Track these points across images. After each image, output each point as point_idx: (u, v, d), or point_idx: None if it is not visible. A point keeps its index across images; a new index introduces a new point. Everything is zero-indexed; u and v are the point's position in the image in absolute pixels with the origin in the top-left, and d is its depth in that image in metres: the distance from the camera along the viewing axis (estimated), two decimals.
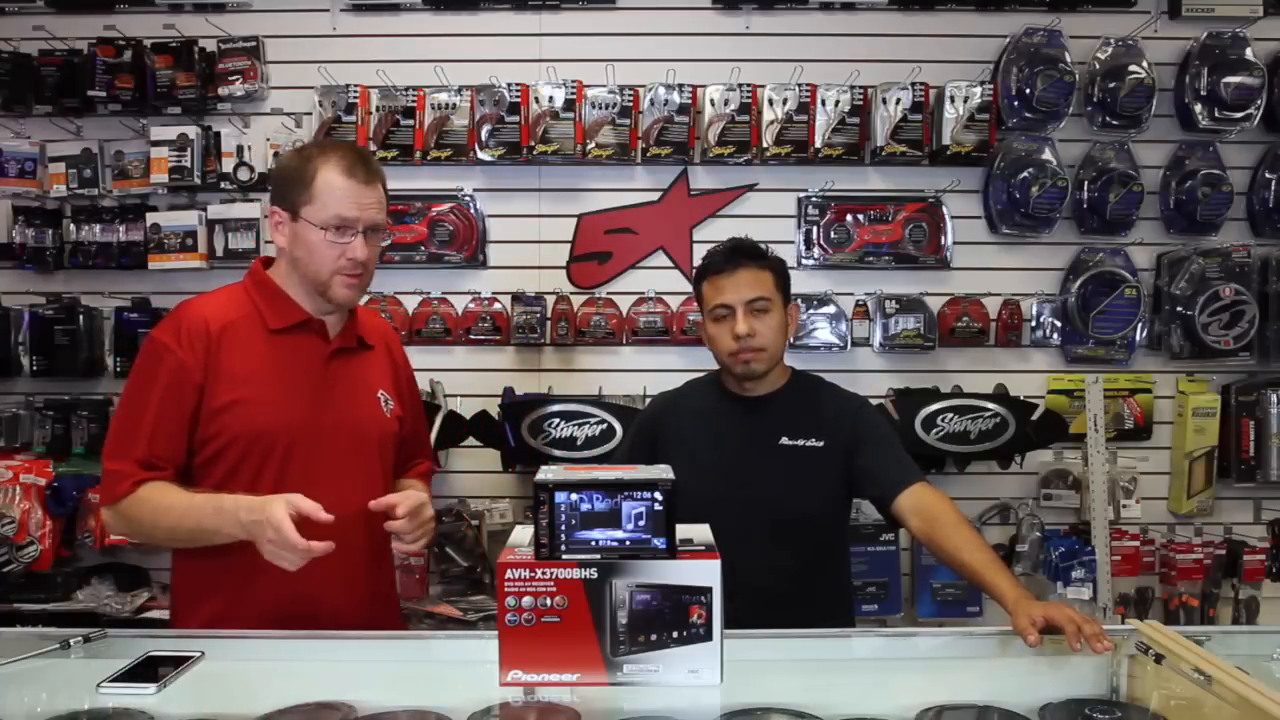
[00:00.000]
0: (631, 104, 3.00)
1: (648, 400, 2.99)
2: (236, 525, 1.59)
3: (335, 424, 1.79)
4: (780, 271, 2.09)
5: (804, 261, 3.08)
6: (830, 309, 3.06)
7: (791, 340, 2.05)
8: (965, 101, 2.97)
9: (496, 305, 3.07)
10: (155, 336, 1.77)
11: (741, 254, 2.06)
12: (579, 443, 2.87)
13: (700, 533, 1.49)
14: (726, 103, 2.99)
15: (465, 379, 3.05)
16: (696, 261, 3.06)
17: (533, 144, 2.99)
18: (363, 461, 1.82)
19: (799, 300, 3.04)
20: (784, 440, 2.05)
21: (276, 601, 1.70)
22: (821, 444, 2.05)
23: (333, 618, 1.69)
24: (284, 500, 1.55)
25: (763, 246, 2.12)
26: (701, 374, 2.26)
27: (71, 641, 1.53)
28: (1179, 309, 3.05)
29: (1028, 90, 2.96)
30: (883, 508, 2.03)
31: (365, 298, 2.98)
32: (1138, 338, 3.11)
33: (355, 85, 3.02)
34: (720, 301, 2.03)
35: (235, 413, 1.73)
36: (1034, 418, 2.93)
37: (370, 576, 1.85)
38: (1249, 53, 3.00)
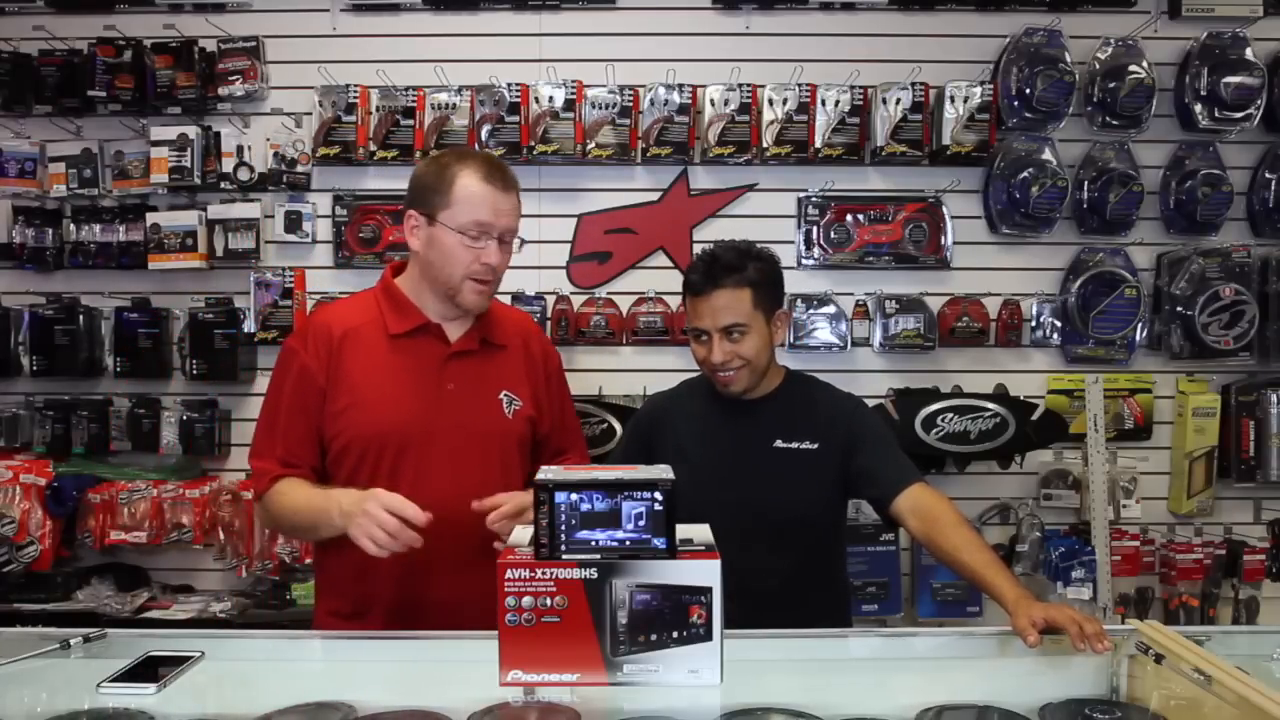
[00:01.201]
0: (631, 104, 3.00)
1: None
2: (338, 513, 1.66)
3: (449, 425, 1.83)
4: (762, 284, 2.01)
5: (804, 261, 3.08)
6: (830, 309, 3.05)
7: (783, 344, 2.03)
8: (965, 101, 2.97)
9: None
10: (287, 343, 1.91)
11: (719, 271, 1.98)
12: None
13: (700, 533, 1.49)
14: (726, 103, 2.99)
15: None
16: None
17: (533, 144, 2.99)
18: (478, 462, 1.85)
19: (796, 301, 3.04)
20: (778, 443, 2.04)
21: (393, 598, 1.79)
22: (816, 446, 2.04)
23: (447, 614, 1.72)
24: (384, 494, 1.64)
25: (752, 250, 2.04)
26: (696, 374, 2.24)
27: (71, 641, 1.53)
28: (1179, 309, 3.05)
29: (1028, 90, 2.96)
30: (881, 509, 2.02)
31: None
32: (1138, 338, 3.11)
33: (355, 85, 3.02)
34: (696, 325, 2.01)
35: (351, 415, 1.81)
36: (1034, 418, 2.93)
37: (485, 573, 1.80)
38: (1249, 53, 3.00)
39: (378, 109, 3.02)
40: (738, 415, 2.09)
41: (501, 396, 1.91)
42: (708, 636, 1.36)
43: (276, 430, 1.84)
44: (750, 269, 1.99)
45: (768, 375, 2.09)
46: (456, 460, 1.83)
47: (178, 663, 1.47)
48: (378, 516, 1.59)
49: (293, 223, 3.06)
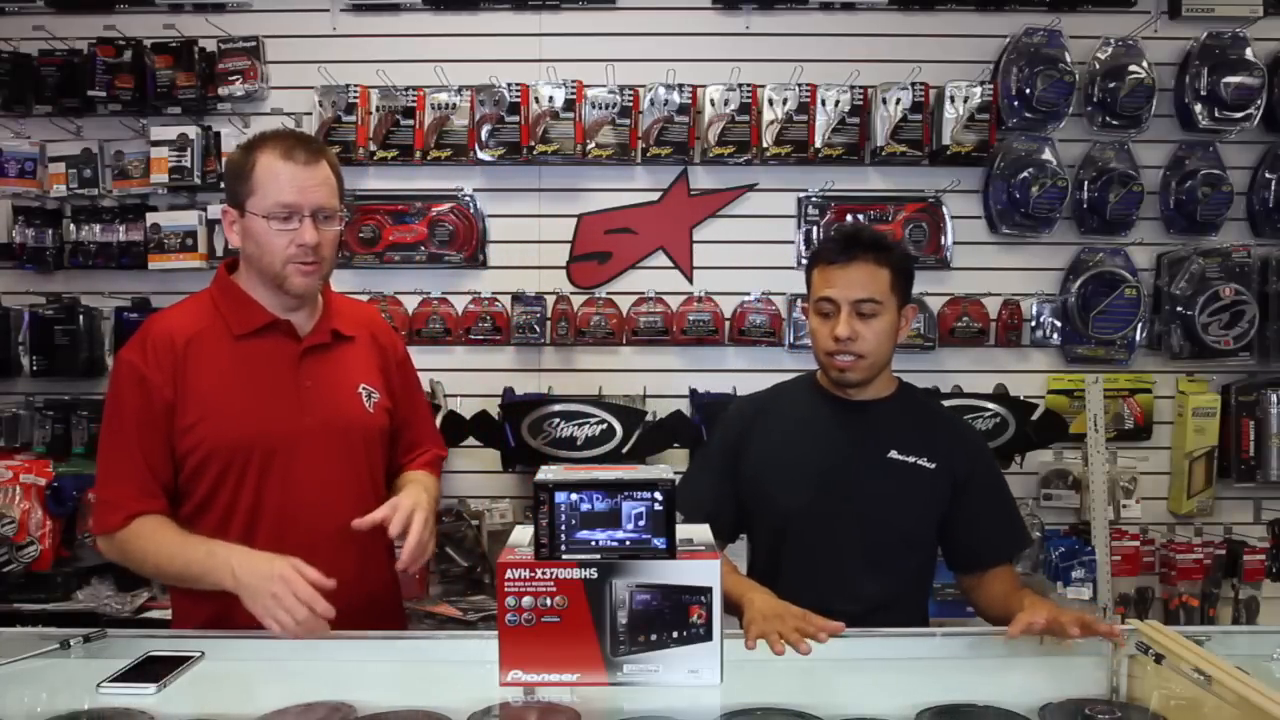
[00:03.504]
0: (631, 104, 3.00)
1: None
2: (229, 575, 1.56)
3: (313, 426, 1.74)
4: (901, 268, 1.84)
5: (804, 261, 3.08)
6: None
7: (900, 341, 1.89)
8: (965, 101, 2.97)
9: (496, 305, 3.07)
10: (123, 356, 1.73)
11: (859, 244, 1.81)
12: (579, 443, 2.87)
13: (700, 533, 1.49)
14: (726, 103, 2.99)
15: (465, 379, 3.05)
16: (697, 261, 3.10)
17: (533, 144, 2.99)
18: (347, 462, 1.77)
19: (797, 300, 3.04)
20: (893, 454, 1.86)
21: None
22: (934, 466, 1.86)
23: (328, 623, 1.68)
24: (290, 561, 1.53)
25: (888, 238, 1.89)
26: (791, 375, 2.08)
27: (71, 641, 1.53)
28: (1179, 309, 3.05)
29: (1028, 90, 2.96)
30: (959, 567, 1.93)
31: (366, 297, 2.99)
32: (1138, 338, 3.11)
33: (355, 85, 3.02)
34: (826, 294, 1.82)
35: (205, 427, 1.69)
36: (1034, 418, 2.93)
37: (364, 579, 1.78)
38: (1249, 53, 3.00)
39: (378, 109, 3.02)
40: (849, 416, 1.90)
41: (360, 390, 1.81)
42: (708, 636, 1.36)
43: (125, 456, 1.69)
44: (893, 253, 1.84)
45: (883, 377, 1.91)
46: (324, 460, 1.74)
47: (178, 663, 1.47)
48: (291, 593, 1.48)
49: None
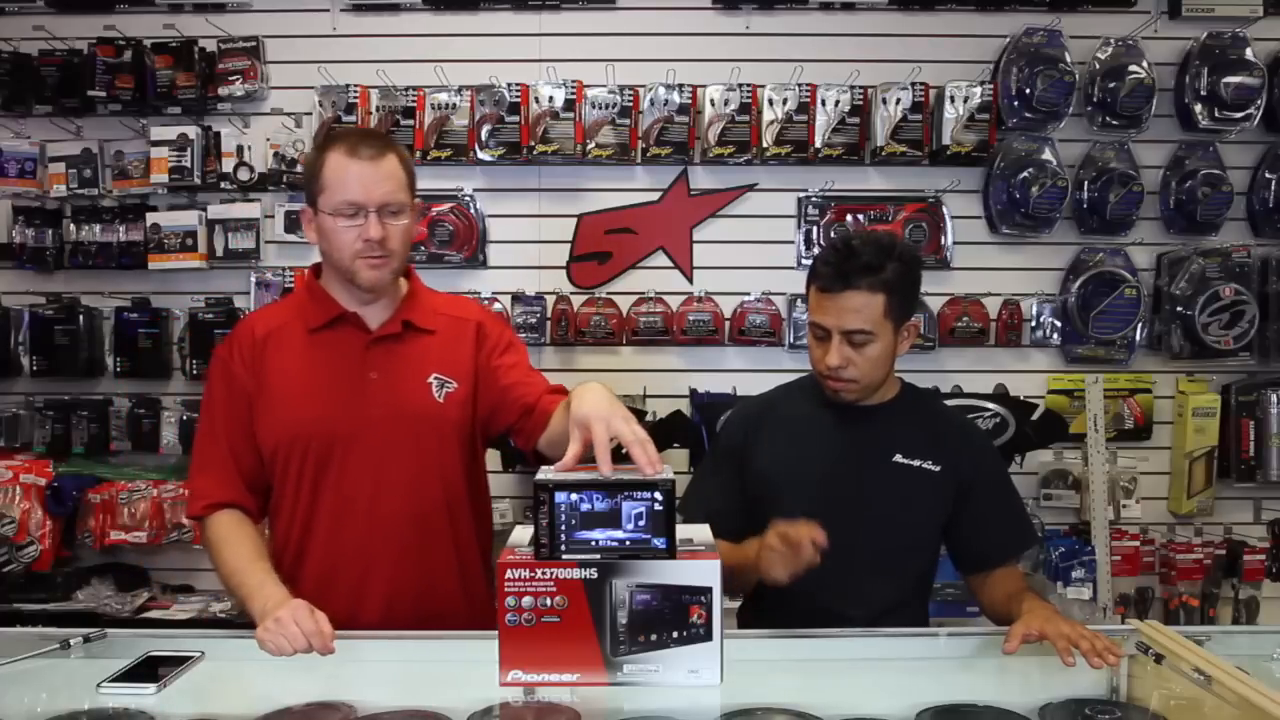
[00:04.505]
0: (631, 104, 3.00)
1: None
2: (257, 614, 1.55)
3: (376, 418, 1.74)
4: (899, 289, 1.78)
5: (804, 261, 3.08)
6: None
7: (900, 354, 1.86)
8: (965, 101, 2.97)
9: (496, 305, 3.07)
10: (216, 350, 1.85)
11: (855, 270, 1.75)
12: None
13: (700, 533, 1.49)
14: (726, 103, 2.99)
15: None
16: (697, 261, 3.10)
17: (533, 144, 2.99)
18: (412, 453, 1.76)
19: (796, 301, 3.04)
20: (898, 458, 1.85)
21: (320, 602, 1.66)
22: (939, 469, 1.85)
23: (381, 611, 1.70)
24: (299, 610, 1.49)
25: (895, 247, 1.79)
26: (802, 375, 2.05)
27: (71, 641, 1.53)
28: (1179, 309, 3.05)
29: (1028, 90, 2.96)
30: (966, 567, 1.91)
31: None
32: (1138, 338, 3.11)
33: (355, 85, 3.01)
34: (818, 321, 1.81)
35: (273, 418, 1.75)
36: (1034, 418, 2.93)
37: (425, 574, 1.77)
38: (1249, 53, 3.00)
39: (378, 109, 3.02)
40: (853, 421, 1.88)
41: (431, 380, 1.79)
42: (708, 636, 1.36)
43: (213, 445, 1.77)
44: (890, 270, 1.76)
45: (885, 382, 1.89)
46: (386, 452, 1.74)
47: (178, 663, 1.47)
48: (293, 621, 1.45)
49: (293, 223, 3.05)
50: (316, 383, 1.76)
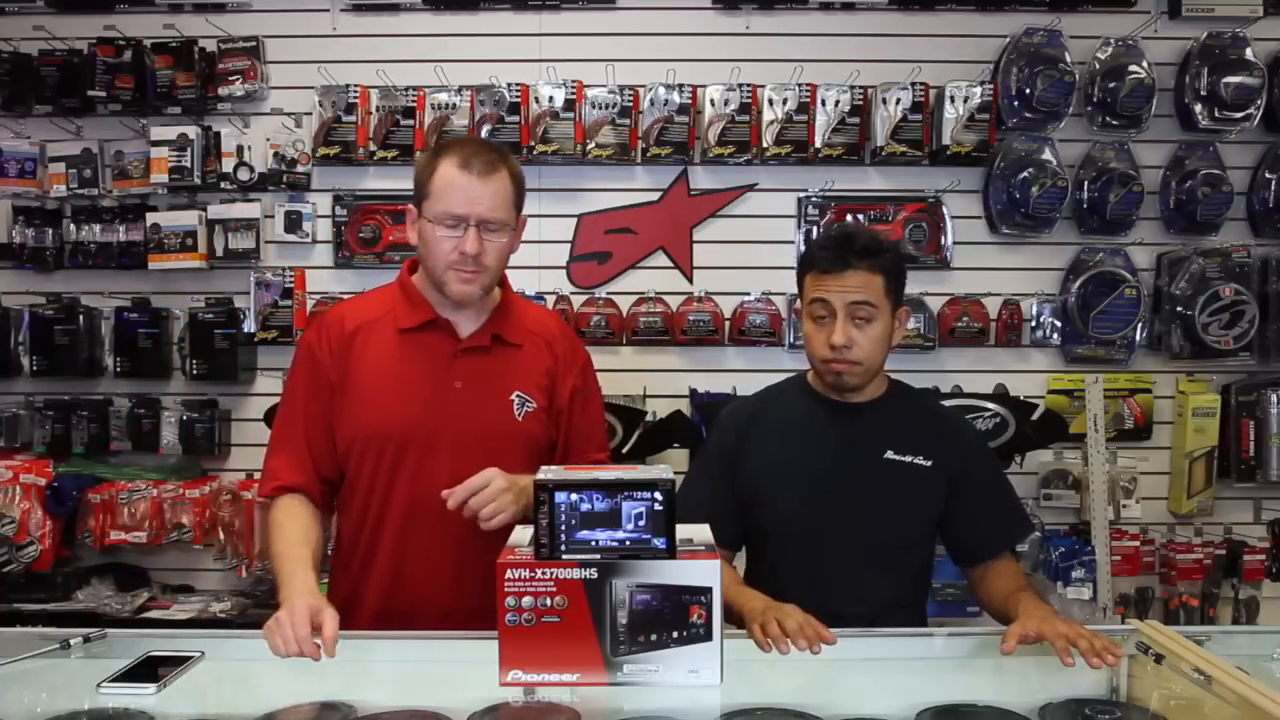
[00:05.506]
0: (631, 104, 3.00)
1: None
2: (280, 594, 1.56)
3: (454, 426, 1.76)
4: (894, 273, 1.82)
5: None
6: None
7: (895, 342, 1.87)
8: (965, 101, 2.97)
9: None
10: (303, 336, 1.87)
11: (853, 253, 1.78)
12: None
13: (700, 533, 1.49)
14: (726, 103, 2.99)
15: None
16: (697, 261, 3.10)
17: (533, 144, 2.99)
18: (482, 463, 1.72)
19: (796, 300, 3.03)
20: (889, 455, 1.85)
21: (386, 602, 1.75)
22: (930, 464, 1.85)
23: (444, 618, 1.71)
24: (308, 608, 1.47)
25: (884, 239, 1.85)
26: (786, 375, 2.07)
27: (71, 641, 1.53)
28: (1179, 309, 3.05)
29: (1028, 90, 2.96)
30: (962, 560, 1.92)
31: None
32: (1138, 338, 3.11)
33: (355, 85, 3.02)
34: (820, 297, 1.81)
35: (354, 413, 1.77)
36: (1034, 418, 2.93)
37: (489, 578, 1.73)
38: (1249, 53, 3.00)
39: (378, 109, 3.02)
40: (844, 418, 1.88)
41: (513, 397, 1.82)
42: (708, 636, 1.35)
43: (290, 427, 1.80)
44: (886, 257, 1.81)
45: (878, 376, 1.91)
46: (460, 460, 1.72)
47: (178, 663, 1.47)
48: (291, 623, 1.43)
49: (293, 223, 3.06)
50: (401, 384, 1.78)
